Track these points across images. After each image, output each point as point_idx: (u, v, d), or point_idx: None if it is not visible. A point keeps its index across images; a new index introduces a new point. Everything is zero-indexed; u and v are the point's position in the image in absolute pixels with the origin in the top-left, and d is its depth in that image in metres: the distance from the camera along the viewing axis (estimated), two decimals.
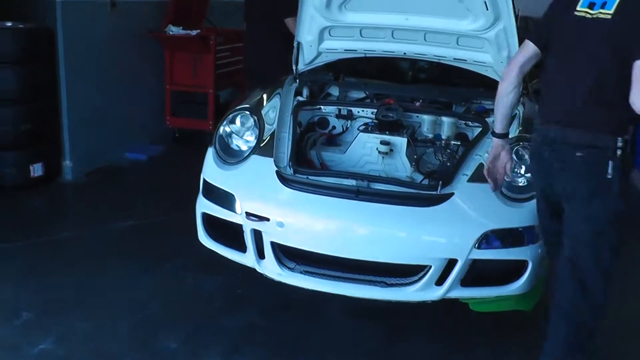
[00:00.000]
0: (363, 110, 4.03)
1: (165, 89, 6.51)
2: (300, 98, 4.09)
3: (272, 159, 3.39)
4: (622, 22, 2.54)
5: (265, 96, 4.01)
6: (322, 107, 4.09)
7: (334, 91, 4.40)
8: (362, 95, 4.36)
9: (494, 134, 3.11)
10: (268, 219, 3.16)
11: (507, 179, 3.15)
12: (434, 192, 3.18)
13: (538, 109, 3.04)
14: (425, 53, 4.19)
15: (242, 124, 3.65)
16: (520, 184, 3.29)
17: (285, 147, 3.50)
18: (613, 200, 2.57)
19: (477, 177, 3.27)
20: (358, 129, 3.85)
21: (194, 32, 6.14)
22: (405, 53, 4.22)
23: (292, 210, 3.20)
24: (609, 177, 2.54)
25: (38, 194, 5.12)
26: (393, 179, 3.38)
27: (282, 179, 3.27)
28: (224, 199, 3.35)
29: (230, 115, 3.68)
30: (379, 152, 3.68)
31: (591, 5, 2.64)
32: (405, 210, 3.10)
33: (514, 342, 3.43)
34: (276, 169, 3.32)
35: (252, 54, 5.72)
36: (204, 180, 3.51)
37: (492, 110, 4.00)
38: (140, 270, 3.95)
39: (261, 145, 3.50)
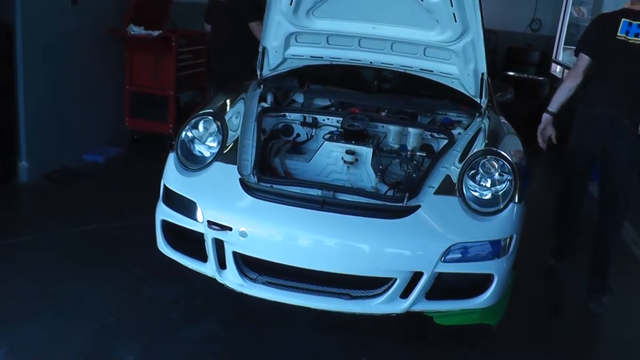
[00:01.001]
0: (328, 119, 3.99)
1: (125, 89, 6.38)
2: (264, 104, 4.02)
3: (235, 167, 3.31)
4: None
5: (228, 101, 3.93)
6: (286, 114, 4.04)
7: (299, 98, 4.36)
8: (327, 103, 4.33)
9: (548, 112, 4.34)
10: (230, 229, 3.08)
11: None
12: (400, 204, 3.15)
13: (588, 95, 4.25)
14: (392, 63, 4.18)
15: (205, 129, 3.55)
16: (486, 197, 3.28)
17: (249, 154, 3.43)
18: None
19: (444, 189, 3.26)
20: (323, 138, 3.81)
21: (155, 33, 6.02)
22: (371, 62, 4.21)
23: (256, 220, 3.12)
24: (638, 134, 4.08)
25: None
26: (359, 190, 3.34)
27: (246, 187, 3.20)
28: (185, 207, 3.26)
29: (193, 120, 3.58)
30: (344, 161, 3.64)
31: (627, 33, 4.02)
32: (371, 222, 3.06)
33: (477, 353, 3.43)
34: (239, 176, 3.25)
35: (216, 57, 5.68)
36: (165, 186, 3.42)
37: (457, 122, 4.09)
38: (97, 278, 3.82)
39: (224, 151, 3.42)
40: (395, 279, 3.07)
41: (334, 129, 3.94)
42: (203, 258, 3.25)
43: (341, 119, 3.92)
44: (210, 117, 3.58)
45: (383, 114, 4.09)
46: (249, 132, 3.61)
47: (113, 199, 5.10)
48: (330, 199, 3.11)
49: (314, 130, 3.99)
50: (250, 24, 5.35)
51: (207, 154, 3.47)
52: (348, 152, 3.62)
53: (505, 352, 3.54)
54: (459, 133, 3.87)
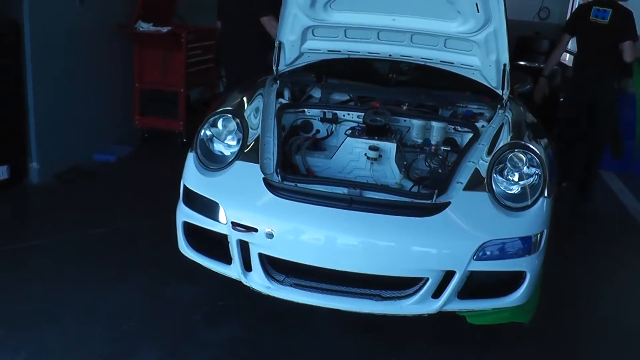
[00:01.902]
0: (349, 114, 3.89)
1: (135, 87, 6.28)
2: (282, 100, 3.93)
3: (257, 165, 3.21)
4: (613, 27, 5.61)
5: (245, 98, 3.82)
6: (305, 110, 3.93)
7: (316, 93, 4.26)
8: (345, 97, 4.22)
9: (543, 76, 5.97)
10: (256, 230, 2.99)
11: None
12: (430, 201, 3.05)
13: (575, 64, 6.10)
14: (412, 55, 4.09)
15: (224, 127, 3.45)
16: (516, 192, 3.19)
17: (271, 153, 3.34)
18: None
19: (472, 185, 3.16)
20: (345, 133, 3.71)
21: (164, 29, 5.92)
22: (390, 55, 4.12)
23: (282, 221, 3.02)
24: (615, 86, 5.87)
25: (3, 198, 4.84)
26: (387, 187, 3.24)
27: (270, 186, 3.10)
28: (207, 208, 3.16)
29: (212, 118, 3.48)
30: (368, 157, 3.54)
31: (596, 16, 5.68)
32: (401, 220, 2.96)
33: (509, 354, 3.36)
34: (263, 176, 3.15)
35: (229, 54, 5.57)
36: (185, 187, 3.32)
37: (479, 114, 3.99)
38: (114, 281, 3.74)
39: (245, 150, 3.32)
40: (427, 279, 2.98)
41: (355, 124, 3.84)
42: (227, 260, 3.15)
43: (362, 113, 3.81)
44: (229, 115, 3.48)
45: (404, 107, 3.99)
46: (269, 130, 3.51)
47: (126, 199, 5.02)
48: (358, 198, 3.02)
49: (334, 126, 3.89)
50: (262, 19, 5.25)
51: (227, 152, 3.37)
52: (371, 148, 3.52)
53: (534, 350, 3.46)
54: (483, 126, 3.77)
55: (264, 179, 3.13)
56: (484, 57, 3.88)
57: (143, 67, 6.21)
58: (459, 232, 2.99)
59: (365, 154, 3.56)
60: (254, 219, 3.02)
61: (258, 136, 3.42)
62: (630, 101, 6.69)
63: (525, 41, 9.49)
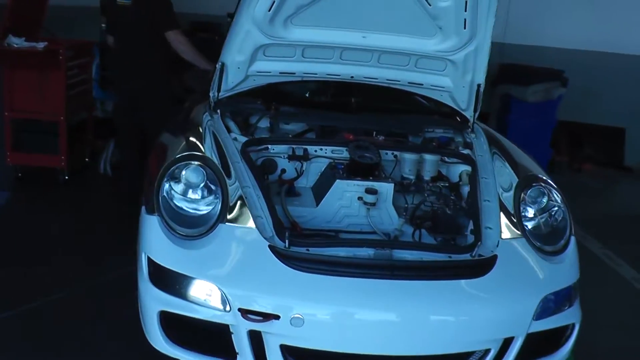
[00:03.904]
0: (321, 149, 3.28)
1: (4, 116, 5.14)
2: (235, 135, 3.24)
3: (253, 228, 2.52)
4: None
5: (193, 137, 3.11)
6: (269, 146, 3.26)
7: (264, 123, 3.58)
8: (302, 128, 3.59)
9: None
10: (278, 317, 2.30)
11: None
12: (469, 256, 2.60)
13: None
14: (377, 76, 3.61)
15: (191, 178, 2.71)
16: (547, 233, 2.86)
17: (259, 209, 2.66)
18: None
19: (504, 229, 2.76)
20: (334, 175, 3.07)
21: (41, 45, 4.89)
22: (352, 77, 3.60)
23: (311, 302, 2.37)
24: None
25: None
26: (419, 243, 2.74)
27: (280, 256, 2.42)
28: (195, 291, 2.42)
29: (172, 169, 2.72)
30: (364, 202, 2.96)
31: None
32: (452, 285, 2.49)
33: None
34: (267, 242, 2.46)
35: (124, 75, 4.68)
36: (152, 261, 2.54)
37: (452, 140, 3.58)
38: None
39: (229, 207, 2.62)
40: (489, 350, 2.53)
41: (327, 160, 3.25)
42: (229, 355, 2.42)
43: (338, 148, 3.25)
44: (196, 162, 2.75)
45: (381, 138, 3.46)
46: (244, 177, 2.82)
47: (21, 265, 3.92)
48: (399, 263, 2.45)
49: (304, 164, 3.25)
50: (168, 33, 4.46)
51: (202, 211, 2.64)
52: (368, 190, 2.96)
53: None
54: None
55: (271, 247, 2.44)
56: (458, 78, 3.51)
57: (14, 91, 5.09)
58: (515, 291, 2.60)
59: (360, 198, 2.98)
60: (272, 303, 2.33)
61: (234, 184, 2.73)
62: None
63: None
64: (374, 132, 3.54)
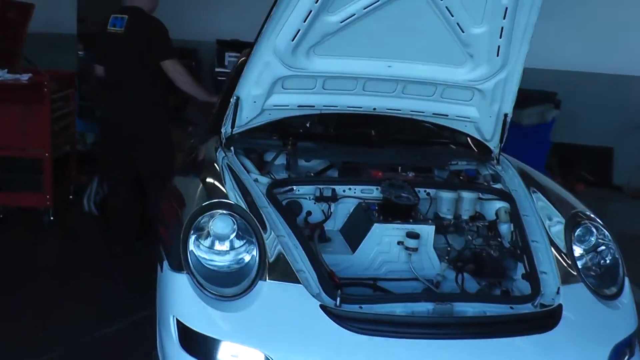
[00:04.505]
0: (350, 189, 3.04)
1: None
2: (256, 176, 2.97)
3: (299, 285, 2.26)
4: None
5: (212, 178, 2.85)
6: (295, 187, 3.00)
7: (281, 161, 3.33)
8: (323, 165, 3.35)
9: None
10: None
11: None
12: (533, 305, 2.43)
13: None
14: (400, 108, 3.40)
15: (219, 230, 2.44)
16: (601, 274, 2.69)
17: (299, 261, 2.40)
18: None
19: (564, 275, 2.57)
20: (369, 218, 2.83)
21: (25, 77, 4.56)
22: (375, 109, 3.36)
23: None
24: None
25: None
26: (478, 295, 2.57)
27: (333, 316, 2.17)
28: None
29: (198, 220, 2.44)
30: (406, 247, 2.73)
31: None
32: (523, 342, 2.27)
33: None
34: (317, 301, 2.21)
35: (115, 107, 4.36)
36: (184, 326, 2.25)
37: (483, 175, 3.40)
38: None
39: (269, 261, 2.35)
40: None
41: (356, 200, 3.01)
42: None
43: (368, 187, 3.02)
44: (224, 211, 2.48)
45: (411, 174, 3.24)
46: (275, 224, 2.56)
47: (15, 325, 3.56)
48: (464, 320, 2.23)
49: (332, 205, 3.01)
50: (165, 62, 4.19)
51: (237, 266, 2.37)
52: (410, 235, 2.72)
53: None
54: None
55: (323, 307, 2.18)
56: (485, 107, 3.34)
57: None
58: (585, 345, 2.40)
59: (401, 243, 2.75)
60: None
61: (272, 235, 2.47)
62: None
63: None
64: (399, 167, 3.33)
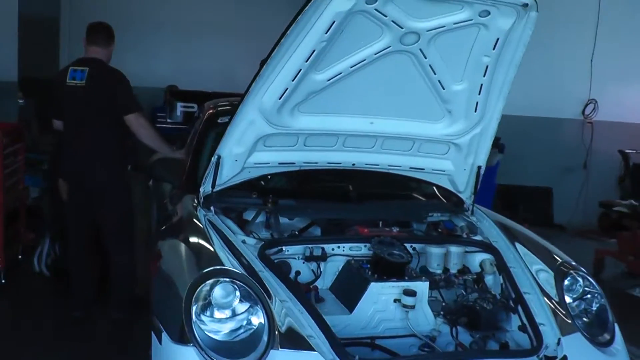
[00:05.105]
0: (339, 247, 3.01)
1: None
2: (243, 237, 2.92)
3: (314, 353, 2.21)
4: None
5: (199, 238, 2.79)
6: (283, 247, 2.95)
7: (260, 219, 3.29)
8: (304, 222, 3.31)
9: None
10: None
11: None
12: (538, 357, 2.48)
13: None
14: (378, 163, 3.43)
15: (222, 299, 2.38)
16: (591, 322, 2.78)
17: (306, 326, 2.35)
18: None
19: (561, 326, 2.64)
20: (367, 278, 2.79)
21: None
22: (354, 164, 3.37)
23: None
24: None
25: None
26: (484, 351, 2.61)
27: None
28: None
29: (199, 290, 2.37)
30: (404, 305, 2.72)
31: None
32: None
33: None
34: None
35: (75, 163, 4.18)
36: None
37: (460, 227, 3.44)
38: None
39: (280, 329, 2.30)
40: None
41: (345, 258, 2.99)
42: None
43: (356, 244, 3.01)
44: (225, 278, 2.41)
45: (395, 230, 3.23)
46: (275, 289, 2.51)
47: None
48: None
49: (321, 264, 2.97)
50: (128, 116, 4.07)
51: (245, 334, 2.30)
52: (407, 292, 2.72)
53: None
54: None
55: None
56: (460, 161, 3.41)
57: None
58: None
59: (397, 300, 2.74)
60: None
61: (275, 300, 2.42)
62: None
63: None
64: (380, 222, 3.33)
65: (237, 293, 2.38)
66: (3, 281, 4.68)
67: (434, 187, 3.70)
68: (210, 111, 4.08)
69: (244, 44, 8.37)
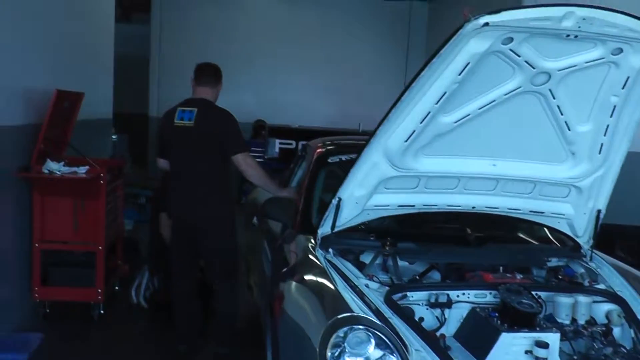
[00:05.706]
0: (463, 294, 2.93)
1: (33, 248, 4.58)
2: (365, 281, 2.87)
3: None
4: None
5: (320, 283, 2.74)
6: (408, 293, 2.88)
7: (377, 261, 3.22)
8: (424, 267, 3.24)
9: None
10: None
11: None
12: None
13: None
14: (498, 206, 3.32)
15: (357, 348, 2.33)
16: None
17: None
18: None
19: None
20: (498, 328, 2.70)
21: (82, 170, 4.44)
22: (474, 207, 3.28)
23: None
24: None
25: None
26: None
27: None
28: None
29: (333, 337, 2.35)
30: (536, 357, 2.60)
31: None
32: None
33: None
34: None
35: (183, 200, 4.21)
36: None
37: (580, 274, 3.30)
38: None
39: None
40: None
41: (469, 305, 2.89)
42: None
43: (482, 291, 2.91)
44: (359, 326, 2.36)
45: (520, 277, 3.12)
46: (407, 337, 2.44)
47: None
48: None
49: (447, 311, 2.88)
50: (237, 156, 4.09)
51: None
52: (539, 344, 2.60)
53: None
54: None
55: None
56: (580, 204, 3.29)
57: (45, 221, 4.57)
58: None
59: (529, 352, 2.63)
60: None
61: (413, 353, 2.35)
62: None
63: None
64: (500, 267, 3.23)
65: (372, 340, 2.33)
66: (102, 312, 4.73)
67: (546, 230, 3.59)
68: (319, 150, 4.05)
69: (328, 81, 8.44)
